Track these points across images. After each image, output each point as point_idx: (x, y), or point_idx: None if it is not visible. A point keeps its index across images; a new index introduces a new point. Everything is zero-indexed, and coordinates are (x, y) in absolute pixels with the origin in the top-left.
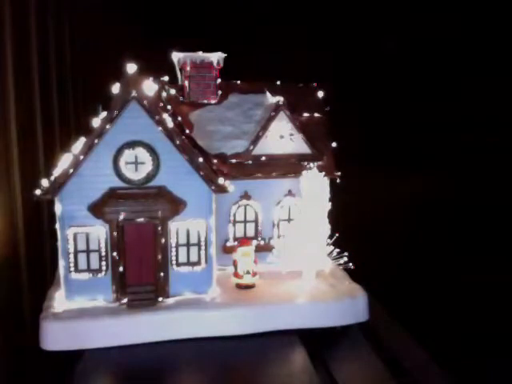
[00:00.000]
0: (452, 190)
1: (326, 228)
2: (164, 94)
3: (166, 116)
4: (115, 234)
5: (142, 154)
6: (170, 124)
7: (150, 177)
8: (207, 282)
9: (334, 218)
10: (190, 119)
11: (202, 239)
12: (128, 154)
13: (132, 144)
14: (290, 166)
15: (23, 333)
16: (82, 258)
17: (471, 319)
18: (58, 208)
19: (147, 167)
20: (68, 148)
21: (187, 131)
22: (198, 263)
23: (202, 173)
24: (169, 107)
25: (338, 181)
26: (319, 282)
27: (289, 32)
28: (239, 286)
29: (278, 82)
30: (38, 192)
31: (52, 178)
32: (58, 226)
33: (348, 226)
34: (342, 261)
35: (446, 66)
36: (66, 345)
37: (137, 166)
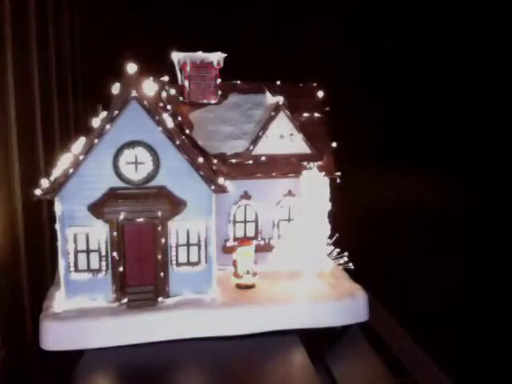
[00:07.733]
0: (452, 189)
1: (326, 228)
2: (164, 94)
3: (165, 116)
4: (115, 233)
5: (142, 154)
6: (170, 124)
7: (150, 177)
8: (207, 282)
9: (334, 217)
10: (190, 119)
11: (202, 239)
12: (128, 154)
13: (132, 144)
14: (289, 165)
15: (23, 333)
16: (81, 257)
17: (471, 319)
18: (58, 208)
19: (147, 167)
20: (68, 148)
21: (187, 131)
22: (198, 263)
23: (201, 173)
24: (169, 107)
25: (338, 181)
26: (319, 282)
27: (289, 32)
28: (239, 286)
29: (278, 82)
30: (38, 192)
31: (52, 178)
32: (57, 225)
33: (348, 226)
34: (341, 261)
35: (449, 64)
36: (66, 345)
37: (137, 166)
